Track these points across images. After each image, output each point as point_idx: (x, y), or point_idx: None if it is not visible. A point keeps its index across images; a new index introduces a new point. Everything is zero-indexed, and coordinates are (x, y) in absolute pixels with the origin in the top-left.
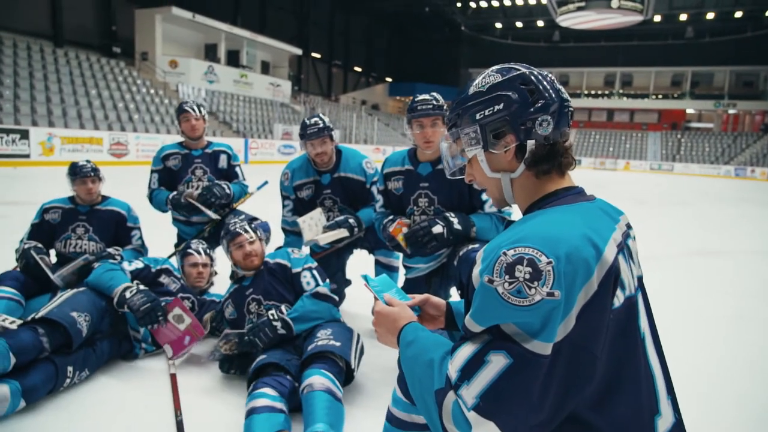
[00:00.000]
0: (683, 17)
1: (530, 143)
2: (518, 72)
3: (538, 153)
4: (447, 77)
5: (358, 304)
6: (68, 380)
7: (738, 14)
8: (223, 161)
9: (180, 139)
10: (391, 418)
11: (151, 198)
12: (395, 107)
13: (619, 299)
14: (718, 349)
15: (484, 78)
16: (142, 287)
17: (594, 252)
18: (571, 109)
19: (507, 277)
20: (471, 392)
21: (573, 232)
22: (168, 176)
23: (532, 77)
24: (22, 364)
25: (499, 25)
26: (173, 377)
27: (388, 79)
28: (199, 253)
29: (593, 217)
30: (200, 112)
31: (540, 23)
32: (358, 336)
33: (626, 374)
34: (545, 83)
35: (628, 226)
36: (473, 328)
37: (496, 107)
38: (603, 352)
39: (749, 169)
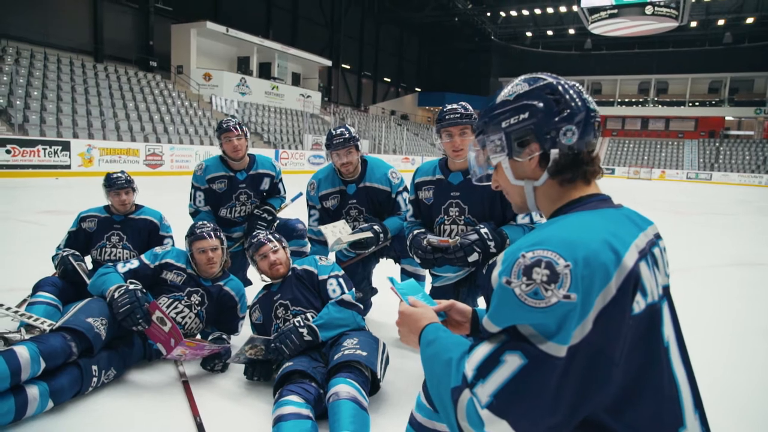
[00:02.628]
0: (721, 22)
1: (554, 152)
2: (545, 82)
3: (561, 162)
4: (477, 87)
5: (384, 313)
6: (95, 379)
7: None
8: (265, 184)
9: (219, 152)
10: (413, 423)
11: (195, 216)
12: (424, 117)
13: (639, 305)
14: (753, 363)
15: (512, 87)
16: (131, 287)
17: (613, 257)
18: (597, 119)
19: (525, 278)
20: (486, 390)
21: (592, 237)
22: (212, 197)
23: (559, 87)
24: (51, 368)
25: (529, 34)
26: (186, 384)
27: (418, 89)
28: (209, 235)
29: (616, 222)
30: (242, 130)
31: (571, 31)
32: (384, 345)
33: (647, 382)
34: (572, 93)
35: (657, 236)
36: (490, 328)
37: (522, 116)
38: (621, 357)
39: None
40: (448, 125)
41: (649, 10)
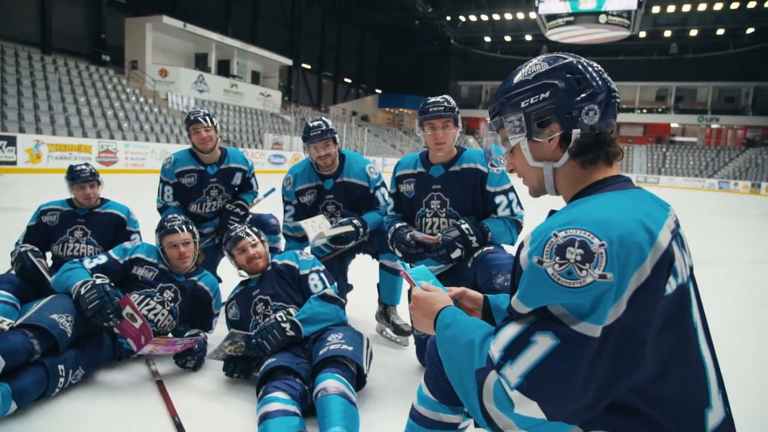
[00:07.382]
0: (667, 33)
1: (575, 132)
2: (565, 61)
3: (583, 142)
4: (436, 90)
5: (361, 310)
6: (62, 379)
7: (720, 32)
8: (237, 179)
9: (179, 148)
10: (415, 416)
11: (163, 211)
12: (384, 118)
13: (671, 286)
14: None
15: (531, 67)
16: (98, 281)
17: (647, 237)
18: (618, 99)
19: (557, 258)
20: (515, 372)
21: (626, 216)
22: (181, 192)
23: (580, 66)
24: (13, 367)
25: (487, 39)
26: (160, 384)
27: (378, 91)
28: (180, 229)
29: (645, 202)
30: (211, 122)
31: (528, 38)
32: (368, 340)
33: (676, 364)
34: (593, 72)
35: (676, 218)
36: (520, 309)
37: (542, 95)
38: (652, 339)
39: (732, 183)
40: (432, 117)
41: (603, 18)
